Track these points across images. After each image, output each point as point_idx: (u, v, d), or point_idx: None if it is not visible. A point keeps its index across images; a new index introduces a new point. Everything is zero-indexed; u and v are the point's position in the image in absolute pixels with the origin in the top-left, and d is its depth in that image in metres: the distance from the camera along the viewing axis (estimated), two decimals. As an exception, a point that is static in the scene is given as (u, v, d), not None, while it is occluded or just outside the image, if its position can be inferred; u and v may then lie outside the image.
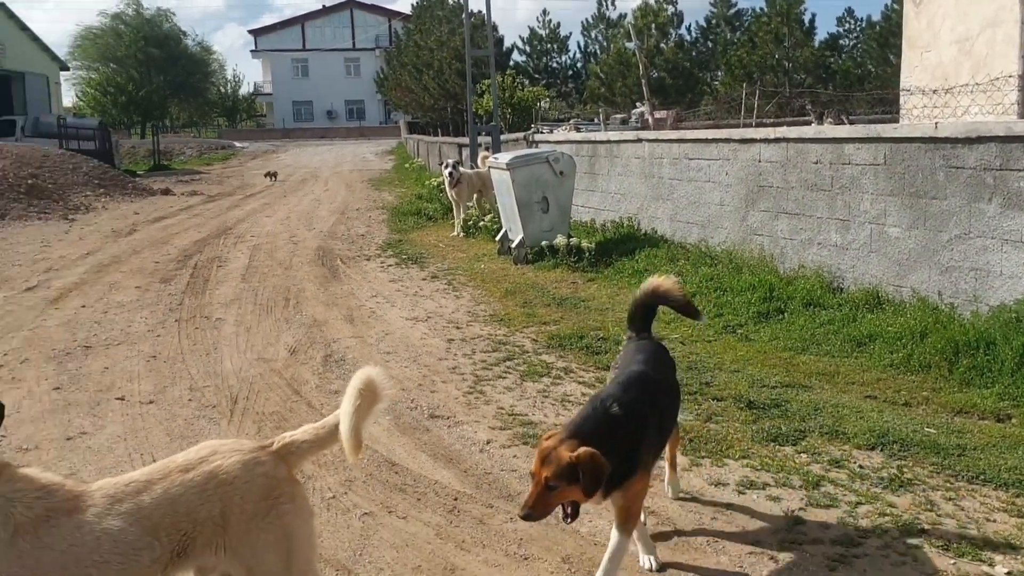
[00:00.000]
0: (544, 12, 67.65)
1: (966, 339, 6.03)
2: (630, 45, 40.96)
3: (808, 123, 22.09)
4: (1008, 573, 3.53)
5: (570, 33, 60.70)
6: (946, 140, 6.82)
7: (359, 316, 8.68)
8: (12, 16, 40.99)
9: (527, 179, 11.44)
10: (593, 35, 51.72)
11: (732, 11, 48.40)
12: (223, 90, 74.80)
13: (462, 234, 14.28)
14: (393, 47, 60.53)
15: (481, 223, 14.31)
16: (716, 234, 10.03)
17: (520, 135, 18.89)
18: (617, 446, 3.24)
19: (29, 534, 2.35)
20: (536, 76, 49.67)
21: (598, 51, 50.55)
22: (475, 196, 15.36)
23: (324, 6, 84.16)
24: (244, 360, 7.09)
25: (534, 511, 3.13)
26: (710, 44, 48.76)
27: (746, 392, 5.76)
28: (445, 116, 42.80)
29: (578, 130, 21.52)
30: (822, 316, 7.31)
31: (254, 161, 44.46)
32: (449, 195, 15.22)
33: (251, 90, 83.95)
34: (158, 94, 53.94)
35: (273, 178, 29.75)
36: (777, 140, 8.99)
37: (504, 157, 12.20)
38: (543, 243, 11.24)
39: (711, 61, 47.77)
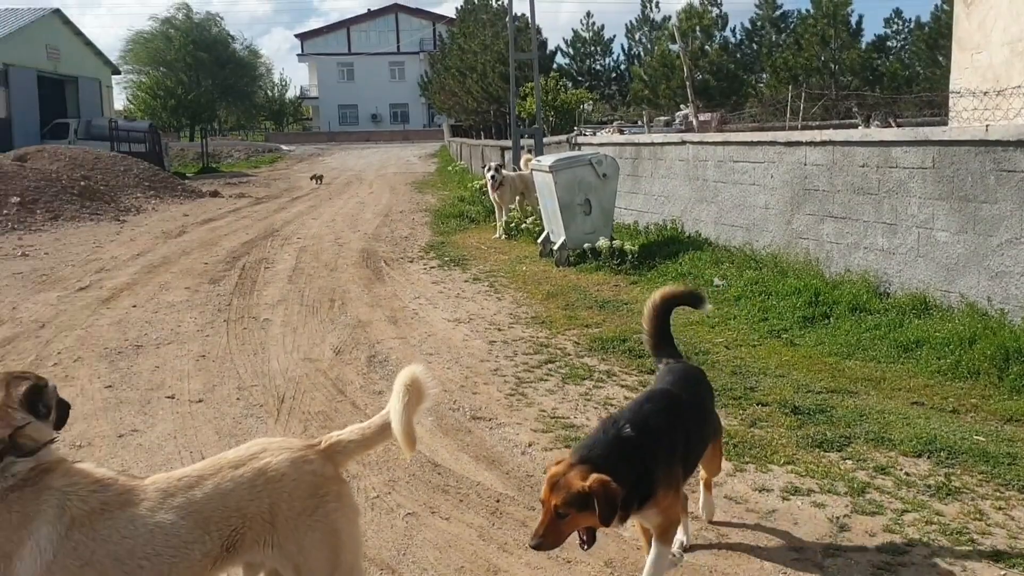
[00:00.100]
0: (588, 15, 67.39)
1: (1017, 346, 5.91)
2: (674, 47, 40.72)
3: (854, 126, 21.81)
4: (1059, 584, 3.47)
5: (614, 36, 60.81)
6: (997, 143, 6.70)
7: (402, 317, 8.76)
8: (67, 22, 41.90)
9: (569, 181, 11.44)
10: (637, 37, 51.59)
11: (778, 12, 47.91)
12: (270, 94, 75.83)
13: (504, 236, 14.32)
14: (437, 51, 61.04)
15: (523, 225, 14.34)
16: (761, 237, 9.95)
17: (563, 138, 18.90)
18: (630, 469, 3.10)
19: (84, 526, 2.40)
20: (579, 79, 49.68)
21: (642, 53, 50.38)
22: (517, 199, 15.39)
23: (369, 10, 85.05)
24: (290, 360, 7.19)
25: (545, 540, 3.00)
26: (755, 46, 48.33)
27: (791, 397, 5.71)
28: (488, 119, 42.97)
29: (621, 132, 21.47)
30: (868, 321, 7.22)
31: (300, 164, 44.97)
32: (491, 198, 15.27)
33: (297, 94, 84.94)
34: (206, 97, 54.89)
35: (319, 181, 30.09)
36: (823, 143, 8.90)
37: (547, 159, 12.22)
38: (585, 245, 11.24)
39: (756, 63, 47.34)
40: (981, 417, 5.32)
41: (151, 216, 20.57)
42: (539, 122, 19.68)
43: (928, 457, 4.72)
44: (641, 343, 7.16)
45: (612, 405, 5.79)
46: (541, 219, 12.81)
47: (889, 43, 47.70)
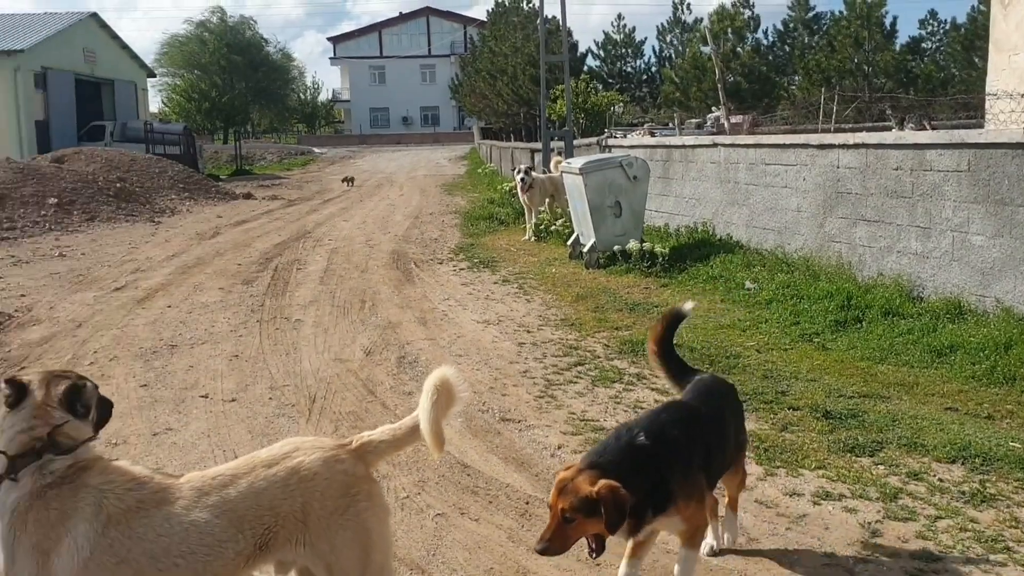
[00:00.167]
0: (619, 17, 67.38)
1: (1054, 351, 5.84)
2: (706, 49, 40.50)
3: (888, 128, 21.59)
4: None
5: (645, 38, 60.65)
6: (1035, 146, 6.62)
7: (432, 319, 8.80)
8: (103, 25, 42.45)
9: (600, 183, 11.43)
10: (668, 39, 51.33)
11: (810, 14, 47.45)
12: (303, 96, 76.30)
13: (533, 238, 14.34)
14: (468, 53, 61.15)
15: (553, 228, 14.34)
16: (793, 240, 9.88)
17: (593, 140, 18.88)
18: (643, 478, 3.04)
19: (121, 524, 2.44)
20: (610, 81, 49.54)
21: (673, 55, 50.13)
22: (547, 201, 15.40)
23: (401, 13, 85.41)
24: (322, 360, 7.25)
25: (551, 545, 2.94)
26: (787, 48, 47.90)
27: (823, 401, 5.67)
28: (518, 121, 43.01)
29: (652, 135, 21.40)
30: (901, 325, 7.14)
31: (332, 166, 45.28)
32: (521, 200, 15.29)
33: (329, 97, 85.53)
34: (240, 100, 55.32)
35: (350, 183, 30.29)
36: (856, 146, 8.82)
37: (577, 162, 12.21)
38: (615, 248, 11.22)
39: (788, 65, 46.91)
40: (1017, 423, 5.24)
41: (185, 217, 20.82)
42: (569, 124, 19.70)
43: (962, 463, 4.67)
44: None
45: (642, 408, 5.77)
46: (571, 221, 12.81)
47: (924, 44, 47.06)
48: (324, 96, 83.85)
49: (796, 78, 45.32)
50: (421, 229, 16.77)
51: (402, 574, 3.75)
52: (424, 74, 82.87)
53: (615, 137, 19.34)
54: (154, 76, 51.89)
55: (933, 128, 18.21)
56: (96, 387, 2.71)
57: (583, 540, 3.04)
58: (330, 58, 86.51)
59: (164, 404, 6.15)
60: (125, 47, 44.49)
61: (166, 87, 58.32)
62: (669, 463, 3.15)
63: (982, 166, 7.13)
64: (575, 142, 19.27)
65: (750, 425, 5.16)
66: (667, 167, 13.39)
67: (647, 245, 10.98)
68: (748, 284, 9.10)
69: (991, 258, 7.03)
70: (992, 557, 3.70)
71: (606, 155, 13.70)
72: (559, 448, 5.15)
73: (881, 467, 4.67)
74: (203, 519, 2.50)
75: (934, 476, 4.53)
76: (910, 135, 9.17)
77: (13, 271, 12.39)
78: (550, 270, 11.44)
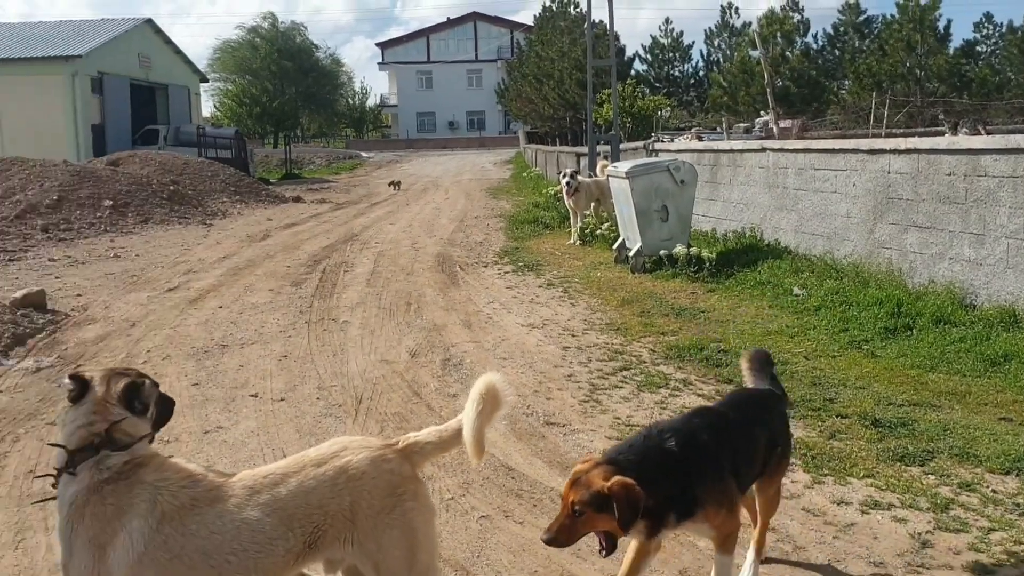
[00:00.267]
0: (667, 21, 66.98)
1: (1113, 362, 5.70)
2: (754, 53, 40.18)
3: (941, 134, 21.21)
4: None
5: (693, 42, 60.29)
6: (1094, 151, 6.47)
7: (476, 322, 8.84)
8: (158, 31, 43.30)
9: (646, 188, 11.39)
10: (716, 44, 51.10)
11: (861, 18, 46.82)
12: (351, 101, 77.04)
13: (578, 242, 14.32)
14: (515, 58, 61.26)
15: (598, 232, 14.31)
16: (842, 246, 9.76)
17: (639, 144, 18.82)
18: (667, 480, 2.97)
19: (175, 520, 2.49)
20: (657, 85, 49.38)
21: (721, 60, 49.86)
22: (592, 205, 15.38)
23: (449, 19, 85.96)
24: (368, 361, 7.32)
25: (558, 536, 2.87)
26: (837, 52, 47.33)
27: (872, 410, 5.59)
28: (564, 126, 42.99)
29: (700, 139, 21.27)
30: (953, 333, 7.02)
31: (379, 171, 45.64)
32: (566, 203, 15.28)
33: (377, 101, 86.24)
34: (290, 105, 56.00)
35: (397, 187, 30.52)
36: (907, 151, 8.69)
37: (623, 166, 12.18)
38: (662, 252, 11.16)
39: (838, 69, 46.33)
40: (1074, 435, 5.13)
41: (236, 220, 21.14)
42: (615, 128, 19.63)
43: (1016, 475, 4.57)
44: (719, 352, 7.14)
45: (687, 414, 5.74)
46: (616, 225, 12.78)
47: (979, 48, 46.22)
48: (372, 101, 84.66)
49: (846, 82, 44.76)
50: (466, 232, 16.85)
51: (447, 575, 3.78)
52: (471, 79, 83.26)
53: (662, 141, 19.26)
54: (207, 81, 52.73)
55: (988, 133, 17.86)
56: (156, 385, 2.77)
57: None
58: (378, 63, 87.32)
59: (215, 403, 6.26)
60: (179, 52, 45.31)
61: (218, 92, 59.27)
62: (698, 468, 3.10)
63: (1039, 172, 6.98)
64: (621, 146, 19.21)
65: (797, 432, 5.11)
66: (715, 171, 13.30)
67: (694, 250, 10.91)
68: (796, 290, 9.01)
69: (1048, 266, 6.88)
70: (1047, 571, 3.62)
71: (653, 159, 13.64)
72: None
73: (932, 477, 4.60)
74: (255, 517, 2.54)
75: (987, 487, 4.45)
76: (964, 140, 9.01)
77: (70, 271, 12.70)
78: (595, 274, 11.42)
